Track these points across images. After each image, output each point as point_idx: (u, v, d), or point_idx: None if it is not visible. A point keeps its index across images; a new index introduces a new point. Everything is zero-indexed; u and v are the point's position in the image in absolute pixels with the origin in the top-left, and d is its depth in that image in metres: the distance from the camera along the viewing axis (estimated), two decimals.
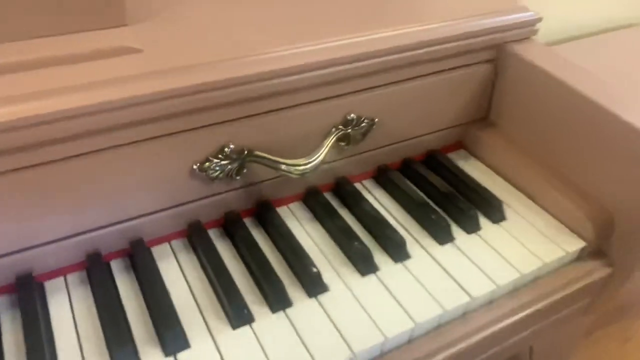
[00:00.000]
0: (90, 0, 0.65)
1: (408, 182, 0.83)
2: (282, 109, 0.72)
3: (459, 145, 0.96)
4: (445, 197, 0.81)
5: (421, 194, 0.81)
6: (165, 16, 0.75)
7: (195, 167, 0.68)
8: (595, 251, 0.79)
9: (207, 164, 0.69)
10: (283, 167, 0.72)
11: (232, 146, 0.69)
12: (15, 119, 0.54)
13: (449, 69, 0.85)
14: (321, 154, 0.75)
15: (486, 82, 0.90)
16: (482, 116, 0.94)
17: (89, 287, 0.66)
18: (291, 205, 0.80)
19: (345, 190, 0.82)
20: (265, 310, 0.65)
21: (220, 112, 0.67)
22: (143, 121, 0.62)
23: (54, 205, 0.61)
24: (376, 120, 0.80)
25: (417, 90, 0.82)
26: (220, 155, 0.69)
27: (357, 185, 0.84)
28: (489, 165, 0.91)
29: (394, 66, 0.77)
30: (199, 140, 0.67)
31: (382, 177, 0.85)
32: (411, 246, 0.74)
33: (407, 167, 0.88)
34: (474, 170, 0.89)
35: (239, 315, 0.62)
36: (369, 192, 0.84)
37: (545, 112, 0.83)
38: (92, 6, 0.66)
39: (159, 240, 0.72)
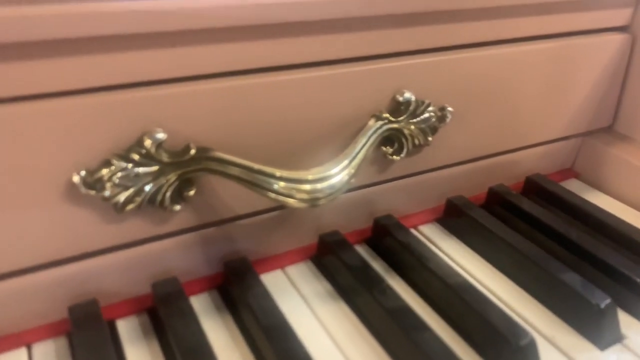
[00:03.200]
0: None
1: (508, 228, 0.45)
2: (275, 68, 0.36)
3: (567, 173, 0.58)
4: (590, 256, 0.42)
5: (540, 250, 0.42)
6: None
7: (77, 177, 0.31)
8: None
9: (104, 171, 0.31)
10: (274, 185, 0.34)
11: (160, 136, 0.32)
12: None
13: (563, 34, 0.49)
14: (351, 162, 0.37)
15: (614, 65, 0.54)
16: (605, 124, 0.58)
17: None
18: (290, 268, 0.42)
19: (393, 240, 0.43)
20: None
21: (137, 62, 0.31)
22: None
23: None
24: (449, 109, 0.43)
25: (515, 63, 0.46)
26: (134, 155, 0.32)
27: (413, 232, 0.46)
28: (627, 203, 0.53)
29: (485, 8, 0.41)
30: (84, 118, 0.30)
31: (458, 217, 0.47)
32: (545, 352, 0.35)
33: (499, 202, 0.50)
34: (609, 210, 0.51)
35: None
36: (434, 244, 0.46)
37: None
38: None
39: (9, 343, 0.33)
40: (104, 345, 0.32)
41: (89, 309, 0.34)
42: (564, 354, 0.35)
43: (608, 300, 0.36)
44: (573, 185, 0.56)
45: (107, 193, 0.31)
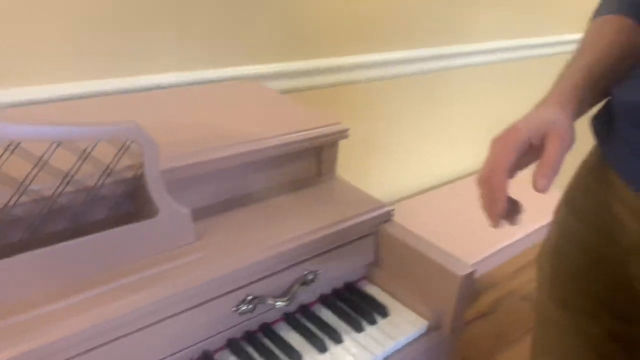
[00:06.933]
0: None
1: (340, 302, 1.60)
2: (273, 274, 1.48)
3: (365, 278, 1.74)
4: (356, 308, 1.58)
5: (345, 307, 1.57)
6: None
7: (234, 308, 1.42)
8: (435, 326, 1.56)
9: (240, 306, 1.42)
10: (273, 302, 1.47)
11: (250, 297, 1.43)
12: None
13: (355, 240, 1.65)
14: (294, 292, 1.51)
15: (371, 247, 1.71)
16: (376, 262, 1.74)
17: None
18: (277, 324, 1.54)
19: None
20: None
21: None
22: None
23: None
24: (319, 272, 1.58)
25: (334, 256, 1.62)
26: (245, 302, 1.43)
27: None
28: (381, 288, 1.70)
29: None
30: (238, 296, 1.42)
31: (327, 300, 1.62)
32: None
33: (339, 292, 1.66)
34: (373, 291, 1.67)
35: None
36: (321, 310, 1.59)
37: (399, 258, 1.63)
38: None
39: None
40: None
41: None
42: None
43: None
44: (364, 283, 1.72)
45: (240, 310, 1.43)
